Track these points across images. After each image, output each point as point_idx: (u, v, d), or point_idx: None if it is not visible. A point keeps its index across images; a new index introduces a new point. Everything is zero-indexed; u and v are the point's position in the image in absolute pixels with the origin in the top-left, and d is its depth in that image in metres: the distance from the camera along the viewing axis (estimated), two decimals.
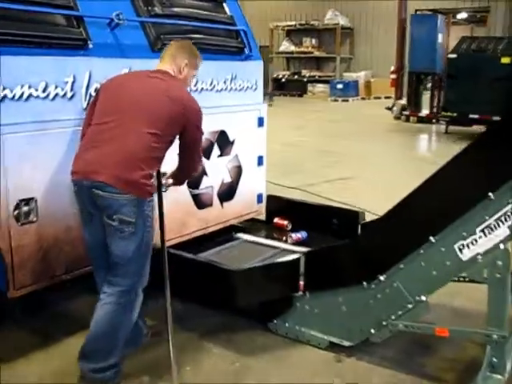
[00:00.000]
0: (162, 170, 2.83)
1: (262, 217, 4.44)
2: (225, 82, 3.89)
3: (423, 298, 2.73)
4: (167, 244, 3.49)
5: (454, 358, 3.05)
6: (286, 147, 9.58)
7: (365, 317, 2.91)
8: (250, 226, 4.30)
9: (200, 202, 3.83)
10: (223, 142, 3.93)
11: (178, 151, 2.82)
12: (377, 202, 6.05)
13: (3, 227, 2.71)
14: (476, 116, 11.05)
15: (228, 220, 4.11)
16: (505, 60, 10.56)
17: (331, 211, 4.23)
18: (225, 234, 4.08)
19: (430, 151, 10.55)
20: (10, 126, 2.70)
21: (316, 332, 3.09)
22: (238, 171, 4.11)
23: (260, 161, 4.29)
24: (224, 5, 4.02)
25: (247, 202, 4.25)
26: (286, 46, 22.28)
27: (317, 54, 22.23)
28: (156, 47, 3.35)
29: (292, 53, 22.39)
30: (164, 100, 2.63)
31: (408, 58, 14.02)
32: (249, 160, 4.18)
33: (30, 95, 2.76)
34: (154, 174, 2.68)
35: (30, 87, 2.75)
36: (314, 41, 22.05)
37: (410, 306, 2.76)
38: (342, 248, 3.05)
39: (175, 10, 3.55)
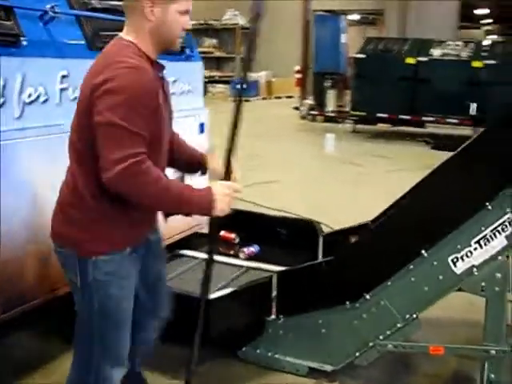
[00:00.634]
0: None
1: (205, 230, 4.11)
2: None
3: (414, 315, 2.55)
4: None
5: (436, 373, 2.91)
6: None
7: (348, 339, 2.69)
8: (194, 240, 3.96)
9: None
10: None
11: None
12: (305, 204, 5.99)
13: None
14: (384, 115, 11.30)
15: (173, 236, 3.74)
16: (409, 60, 10.85)
17: (281, 221, 3.99)
18: (169, 253, 3.71)
19: (342, 150, 10.62)
20: None
21: (292, 358, 2.82)
22: (181, 182, 3.75)
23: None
24: None
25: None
26: None
27: (217, 54, 21.99)
28: (94, 46, 2.93)
29: None
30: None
31: (312, 58, 14.14)
32: None
33: None
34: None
35: None
36: (214, 41, 21.79)
37: (399, 324, 2.57)
38: (320, 266, 2.81)
39: (114, 3, 3.13)
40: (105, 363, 2.00)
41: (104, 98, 1.72)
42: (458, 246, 2.43)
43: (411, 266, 2.52)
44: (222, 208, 1.90)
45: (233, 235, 3.97)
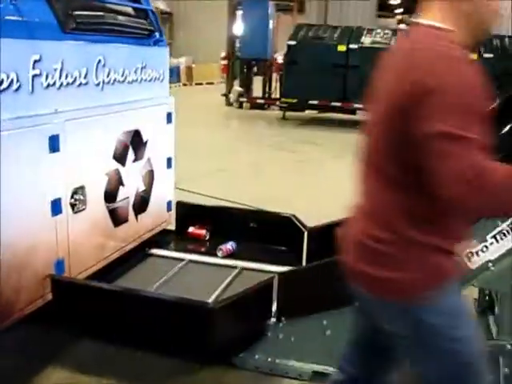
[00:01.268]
0: None
1: (172, 226, 3.87)
2: (136, 72, 3.24)
3: None
4: (84, 274, 2.88)
5: None
6: None
7: None
8: (162, 238, 3.71)
9: (117, 218, 3.16)
10: (137, 143, 3.29)
11: None
12: (259, 194, 5.86)
13: None
14: (316, 102, 11.33)
15: (142, 235, 3.48)
16: (341, 48, 10.92)
17: (254, 215, 3.82)
18: (138, 252, 3.45)
19: (276, 138, 10.54)
20: None
21: (294, 362, 2.67)
22: (150, 177, 3.49)
23: (169, 163, 3.71)
24: None
25: (159, 212, 3.65)
26: None
27: None
28: (67, 27, 2.62)
29: None
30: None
31: (239, 44, 13.96)
32: (159, 163, 3.58)
33: None
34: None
35: None
36: None
37: None
38: (326, 266, 2.66)
39: None
40: None
41: (431, 100, 1.35)
42: (474, 241, 2.36)
43: None
44: None
45: (203, 231, 3.76)
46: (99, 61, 2.86)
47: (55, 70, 2.54)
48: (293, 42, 11.28)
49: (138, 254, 3.40)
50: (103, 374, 2.63)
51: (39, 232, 2.51)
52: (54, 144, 2.53)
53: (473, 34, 1.51)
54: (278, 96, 13.19)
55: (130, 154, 3.22)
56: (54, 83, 2.54)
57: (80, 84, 2.74)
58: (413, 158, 1.40)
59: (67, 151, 2.62)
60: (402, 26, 23.54)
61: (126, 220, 3.24)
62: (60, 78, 2.57)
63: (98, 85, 2.88)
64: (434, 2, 1.49)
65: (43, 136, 2.49)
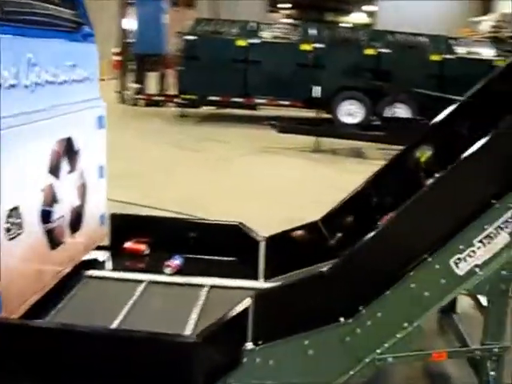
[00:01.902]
0: None
1: (105, 242, 3.50)
2: (66, 72, 2.85)
3: (415, 323, 2.35)
4: (23, 309, 2.48)
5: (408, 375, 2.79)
6: None
7: (340, 357, 2.40)
8: (96, 257, 3.34)
9: (53, 240, 2.76)
10: (70, 153, 2.91)
11: None
12: (177, 198, 5.58)
13: None
14: (216, 98, 11.12)
15: (78, 255, 3.10)
16: (240, 43, 10.78)
17: (197, 226, 3.54)
18: (75, 275, 3.06)
19: (179, 136, 10.19)
20: None
21: None
22: (83, 190, 3.11)
23: (101, 172, 3.34)
24: None
25: (93, 228, 3.27)
26: None
27: None
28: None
29: None
30: None
31: (132, 39, 13.40)
32: (91, 173, 3.21)
33: None
34: None
35: None
36: None
37: (398, 335, 2.35)
38: (308, 283, 2.46)
39: None
40: None
41: None
42: (461, 247, 2.28)
43: (411, 273, 2.31)
44: None
45: (142, 246, 3.43)
46: (29, 59, 2.46)
47: None
48: (192, 37, 10.97)
49: (75, 278, 3.01)
50: None
51: None
52: None
53: None
54: (174, 93, 12.80)
55: (64, 166, 2.83)
56: None
57: (9, 86, 2.33)
58: None
59: None
60: (291, 20, 24.05)
61: (62, 241, 2.85)
62: None
63: (28, 87, 2.47)
64: None
65: None
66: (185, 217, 3.82)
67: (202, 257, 3.29)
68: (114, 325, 2.35)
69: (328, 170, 8.11)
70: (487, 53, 11.42)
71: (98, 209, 3.32)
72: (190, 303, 2.65)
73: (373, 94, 11.03)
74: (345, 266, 2.43)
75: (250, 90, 10.93)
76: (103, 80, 16.32)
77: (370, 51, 11.04)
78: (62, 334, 2.12)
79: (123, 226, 3.50)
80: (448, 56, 11.20)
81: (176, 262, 3.22)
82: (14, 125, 2.28)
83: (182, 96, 11.53)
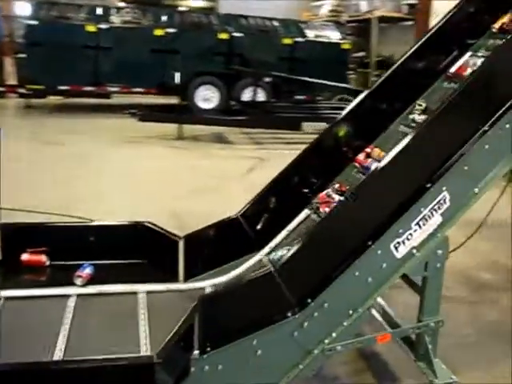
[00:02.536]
0: None
1: None
2: None
3: (359, 310, 2.38)
4: None
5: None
6: None
7: (290, 352, 2.37)
8: None
9: None
10: None
11: None
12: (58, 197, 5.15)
13: None
14: (66, 87, 10.45)
15: None
16: (90, 28, 10.20)
17: (102, 229, 3.27)
18: None
19: (37, 128, 9.37)
20: None
21: None
22: None
23: None
24: None
25: None
26: None
27: None
28: None
29: None
30: None
31: None
32: None
33: None
34: None
35: None
36: None
37: (345, 323, 2.38)
38: (252, 283, 2.37)
39: None
40: None
41: None
42: (400, 231, 2.35)
43: (356, 261, 2.33)
44: None
45: (42, 257, 3.10)
46: None
47: None
48: (34, 22, 10.14)
49: None
50: None
51: None
52: None
53: None
54: (14, 82, 11.79)
55: None
56: None
57: None
58: None
59: None
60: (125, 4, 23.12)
61: None
62: None
63: None
64: None
65: None
66: (85, 220, 3.50)
67: (114, 262, 3.06)
68: (59, 352, 2.07)
69: (195, 157, 8.02)
70: (334, 36, 11.99)
71: None
72: (126, 313, 2.45)
73: (228, 79, 11.08)
74: (291, 261, 2.39)
75: (101, 77, 10.41)
76: None
77: (223, 35, 11.04)
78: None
79: (15, 236, 3.13)
80: (299, 39, 11.57)
81: (87, 271, 2.95)
82: None
83: (28, 86, 10.64)
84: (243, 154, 8.52)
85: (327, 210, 2.77)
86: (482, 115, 2.32)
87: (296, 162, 3.09)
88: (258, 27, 11.52)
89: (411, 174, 2.36)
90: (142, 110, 8.92)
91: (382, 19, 15.36)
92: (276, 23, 11.77)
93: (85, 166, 6.99)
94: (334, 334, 2.38)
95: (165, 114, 9.11)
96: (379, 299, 2.78)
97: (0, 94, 12.01)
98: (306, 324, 2.34)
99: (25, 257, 3.08)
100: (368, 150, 2.92)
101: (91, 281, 2.92)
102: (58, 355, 1.98)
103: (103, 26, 10.23)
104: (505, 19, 2.80)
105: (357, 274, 2.34)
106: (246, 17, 11.80)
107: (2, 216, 3.57)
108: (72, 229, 3.25)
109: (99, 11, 10.53)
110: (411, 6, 15.17)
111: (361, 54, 15.81)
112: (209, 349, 2.30)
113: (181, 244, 3.02)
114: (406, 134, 2.72)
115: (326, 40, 11.82)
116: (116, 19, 10.36)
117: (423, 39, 3.00)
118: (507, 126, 2.32)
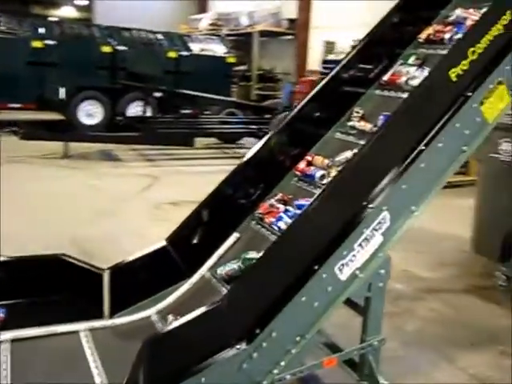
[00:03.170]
0: None
1: None
2: None
3: (307, 336, 2.33)
4: None
5: None
6: None
7: None
8: None
9: None
10: None
11: None
12: None
13: None
14: None
15: None
16: None
17: (9, 265, 2.96)
18: None
19: None
20: None
21: None
22: None
23: None
24: None
25: None
26: None
27: None
28: None
29: None
30: None
31: None
32: None
33: None
34: None
35: None
36: None
37: (293, 351, 2.31)
38: (199, 320, 2.22)
39: None
40: None
41: None
42: (344, 253, 2.32)
43: (303, 286, 2.27)
44: None
45: None
46: None
47: None
48: None
49: None
50: None
51: None
52: None
53: None
54: None
55: None
56: None
57: None
58: None
59: None
60: None
61: None
62: None
63: None
64: None
65: None
66: None
67: (29, 301, 2.77)
68: None
69: (86, 177, 7.61)
70: (219, 49, 12.01)
71: None
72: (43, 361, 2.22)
73: (112, 93, 10.71)
74: (238, 291, 2.29)
75: None
76: None
77: (106, 48, 10.64)
78: None
79: None
80: (184, 53, 11.45)
81: None
82: None
83: None
84: (136, 171, 8.23)
85: (272, 219, 2.75)
86: (417, 135, 2.37)
87: (224, 183, 3.00)
88: (141, 40, 11.25)
89: (353, 195, 2.36)
90: (23, 127, 8.34)
91: (262, 33, 15.68)
92: (160, 36, 11.57)
93: None
94: (282, 363, 2.30)
95: (48, 131, 8.57)
96: None
97: None
98: (255, 355, 2.24)
99: None
100: (309, 158, 2.93)
101: (4, 324, 2.63)
102: None
103: None
104: (430, 30, 2.97)
105: (303, 299, 2.28)
106: (129, 29, 11.47)
107: None
108: None
109: None
110: (291, 20, 15.62)
111: (242, 67, 15.99)
112: None
113: (105, 276, 2.81)
114: (344, 141, 2.86)
115: (211, 54, 11.81)
116: None
117: (354, 51, 3.07)
118: (439, 145, 2.39)
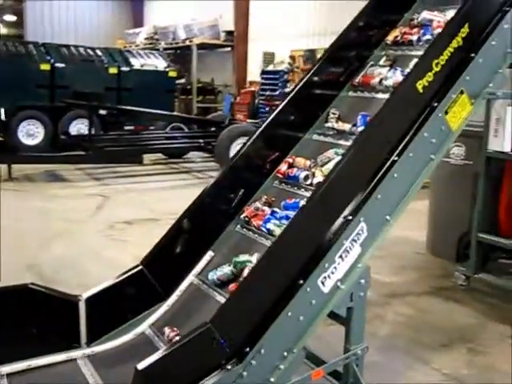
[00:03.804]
0: None
1: None
2: None
3: (294, 350, 2.34)
4: None
5: None
6: None
7: None
8: None
9: None
10: None
11: None
12: None
13: None
14: None
15: None
16: None
17: None
18: None
19: None
20: None
21: None
22: None
23: None
24: None
25: None
26: None
27: None
28: None
29: None
30: None
31: None
32: None
33: None
34: None
35: None
36: None
37: (281, 366, 2.32)
38: (187, 344, 2.18)
39: None
40: None
41: None
42: (326, 265, 2.35)
43: (289, 302, 2.29)
44: None
45: None
46: None
47: None
48: None
49: None
50: None
51: None
52: None
53: None
54: None
55: None
56: None
57: None
58: None
59: None
60: None
61: None
62: None
63: None
64: None
65: None
66: None
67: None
68: None
69: (36, 200, 7.37)
70: (160, 64, 11.91)
71: None
72: None
73: (53, 112, 10.42)
74: (226, 310, 2.28)
75: None
76: None
77: (44, 66, 10.36)
78: None
79: None
80: (124, 68, 11.29)
81: None
82: None
83: None
84: (85, 191, 8.04)
85: (260, 222, 2.77)
86: (390, 146, 2.44)
87: (197, 200, 2.97)
88: (81, 57, 11.01)
89: (332, 208, 2.40)
90: None
91: (200, 46, 15.69)
92: (99, 52, 11.36)
93: None
94: (272, 379, 2.31)
95: None
96: None
97: None
98: (245, 373, 2.24)
99: None
100: (289, 160, 2.97)
101: None
102: None
103: None
104: (396, 32, 3.09)
105: (289, 314, 2.30)
106: (67, 46, 11.22)
107: None
108: None
109: None
110: (229, 32, 15.71)
111: (181, 80, 15.94)
112: None
113: (81, 304, 2.74)
114: (323, 142, 2.98)
115: (153, 68, 11.70)
116: None
117: (325, 55, 3.13)
118: (411, 154, 2.47)
